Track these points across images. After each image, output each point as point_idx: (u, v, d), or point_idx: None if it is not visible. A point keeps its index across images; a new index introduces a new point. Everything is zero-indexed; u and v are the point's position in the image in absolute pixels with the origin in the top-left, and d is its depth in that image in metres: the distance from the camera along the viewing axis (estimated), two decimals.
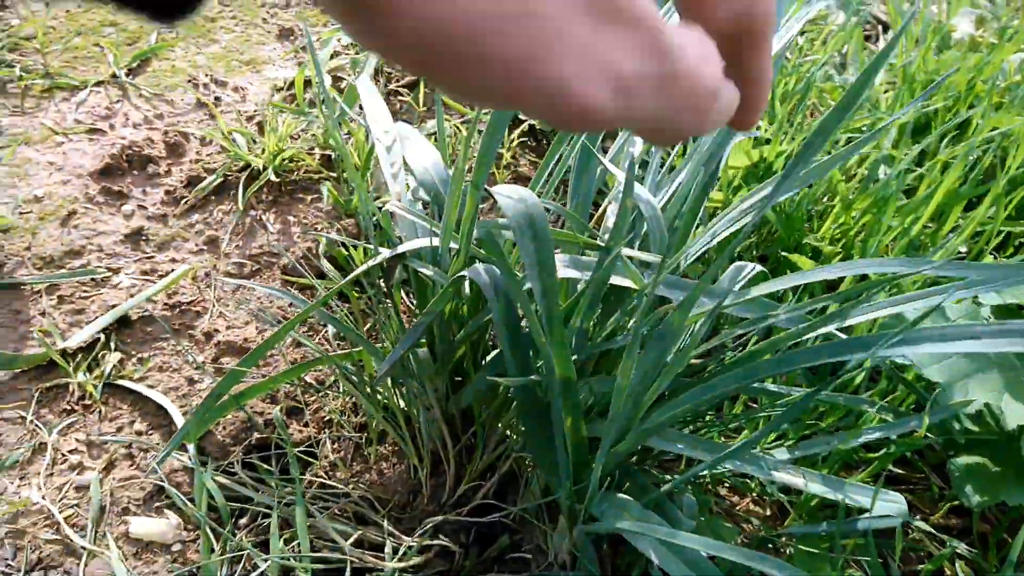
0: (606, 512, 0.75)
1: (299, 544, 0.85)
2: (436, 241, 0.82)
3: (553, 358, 0.68)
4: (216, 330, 1.10)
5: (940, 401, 0.80)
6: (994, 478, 0.86)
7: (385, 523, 0.90)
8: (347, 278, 0.85)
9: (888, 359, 0.84)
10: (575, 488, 0.77)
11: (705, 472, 0.91)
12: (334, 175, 1.33)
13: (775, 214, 1.05)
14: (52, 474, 0.93)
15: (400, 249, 0.83)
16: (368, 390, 0.97)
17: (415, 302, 1.01)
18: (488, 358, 0.91)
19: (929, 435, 0.86)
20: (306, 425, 1.00)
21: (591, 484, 0.75)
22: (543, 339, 0.67)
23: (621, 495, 0.77)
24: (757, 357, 0.64)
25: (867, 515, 0.75)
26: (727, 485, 1.00)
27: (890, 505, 0.72)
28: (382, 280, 0.93)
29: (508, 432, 0.95)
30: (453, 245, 0.80)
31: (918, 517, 0.98)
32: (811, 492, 0.73)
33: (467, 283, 0.84)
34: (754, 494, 0.99)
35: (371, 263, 0.85)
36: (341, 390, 1.03)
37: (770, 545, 0.89)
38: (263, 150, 1.31)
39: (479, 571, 0.91)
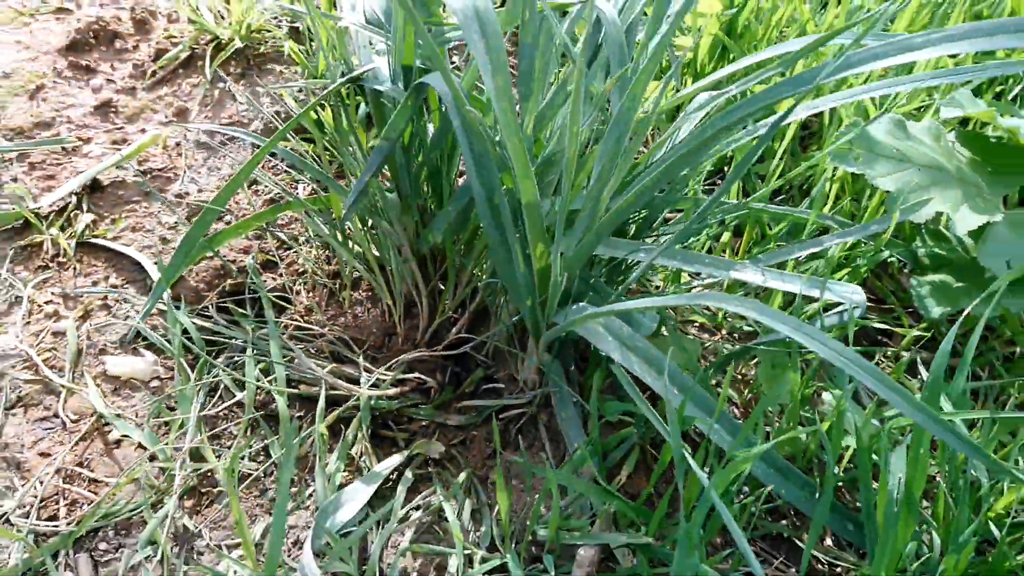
0: (568, 319, 0.76)
1: (275, 376, 0.87)
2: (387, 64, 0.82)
3: (513, 160, 0.68)
4: (187, 193, 1.10)
5: (889, 206, 0.80)
6: (955, 292, 0.88)
7: (361, 360, 0.92)
8: (307, 107, 0.85)
9: (839, 165, 0.84)
10: (540, 301, 0.78)
11: (664, 294, 0.92)
12: (302, 48, 1.31)
13: (730, 38, 1.04)
14: (29, 323, 0.94)
15: (357, 72, 0.83)
16: (339, 236, 0.97)
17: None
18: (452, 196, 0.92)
19: (890, 250, 0.87)
20: (280, 276, 1.01)
21: (550, 291, 0.75)
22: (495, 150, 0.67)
23: (583, 304, 0.78)
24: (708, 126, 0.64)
25: (829, 313, 0.76)
26: (697, 324, 1.01)
27: (848, 296, 0.73)
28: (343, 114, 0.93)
29: (476, 271, 0.96)
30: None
31: (888, 351, 1.00)
32: (769, 287, 0.74)
33: (425, 107, 0.84)
34: (724, 331, 1.01)
35: (328, 89, 0.84)
36: (313, 242, 1.04)
37: (740, 360, 0.91)
38: (230, 24, 1.29)
39: (456, 402, 0.92)
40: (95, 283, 0.99)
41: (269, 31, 1.31)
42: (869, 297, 1.07)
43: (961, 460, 0.71)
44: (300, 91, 1.23)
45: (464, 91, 0.76)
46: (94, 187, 1.09)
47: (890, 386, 0.53)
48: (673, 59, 0.96)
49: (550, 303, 0.76)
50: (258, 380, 0.86)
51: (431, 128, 0.90)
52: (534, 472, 0.80)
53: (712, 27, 1.18)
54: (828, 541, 0.81)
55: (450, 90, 0.69)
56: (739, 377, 0.96)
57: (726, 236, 0.97)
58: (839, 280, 0.94)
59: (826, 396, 0.82)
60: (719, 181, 1.17)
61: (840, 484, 0.82)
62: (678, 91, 1.04)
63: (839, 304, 0.77)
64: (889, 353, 1.00)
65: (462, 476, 0.83)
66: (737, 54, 1.05)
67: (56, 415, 0.86)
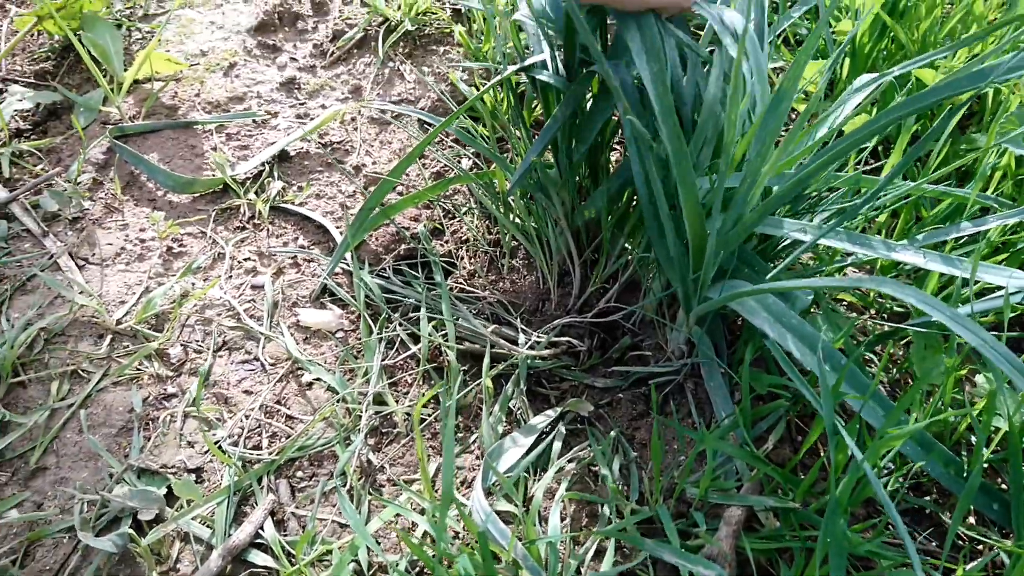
0: (722, 295, 0.81)
1: (446, 331, 0.96)
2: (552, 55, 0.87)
3: (667, 143, 0.73)
4: (363, 164, 1.21)
5: None
6: None
7: (518, 322, 1.00)
8: (481, 92, 0.92)
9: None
10: (694, 277, 0.83)
11: (824, 270, 0.95)
12: (464, 29, 1.39)
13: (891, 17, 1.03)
14: (231, 277, 1.07)
15: (527, 62, 0.89)
16: (501, 207, 1.05)
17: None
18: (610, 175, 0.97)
19: None
20: (446, 243, 1.10)
21: (704, 268, 0.80)
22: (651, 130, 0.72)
23: (737, 280, 0.82)
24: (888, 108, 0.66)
25: (988, 297, 0.77)
26: (846, 303, 1.03)
27: (1014, 281, 0.73)
28: (511, 100, 1.00)
29: (628, 245, 1.01)
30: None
31: None
32: (930, 269, 0.75)
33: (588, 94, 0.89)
34: (873, 311, 1.02)
35: (500, 76, 0.91)
36: (476, 213, 1.12)
37: (890, 340, 0.92)
38: (399, 6, 1.39)
39: (603, 366, 0.99)
40: (285, 243, 1.11)
41: (434, 13, 1.39)
42: None
43: None
44: (464, 71, 1.31)
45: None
46: (282, 157, 1.22)
47: None
48: (830, 43, 0.97)
49: (704, 279, 0.81)
50: (430, 335, 0.95)
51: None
52: (685, 434, 0.86)
53: (873, 7, 1.17)
54: (971, 519, 0.83)
55: (616, 81, 0.75)
56: (887, 356, 0.98)
57: (883, 216, 0.98)
58: (998, 263, 0.93)
59: (979, 378, 0.83)
60: (870, 159, 1.17)
61: (987, 464, 0.83)
62: (836, 72, 1.05)
63: (999, 288, 0.78)
64: None
65: (612, 434, 0.89)
66: (899, 34, 1.04)
67: (256, 358, 0.98)
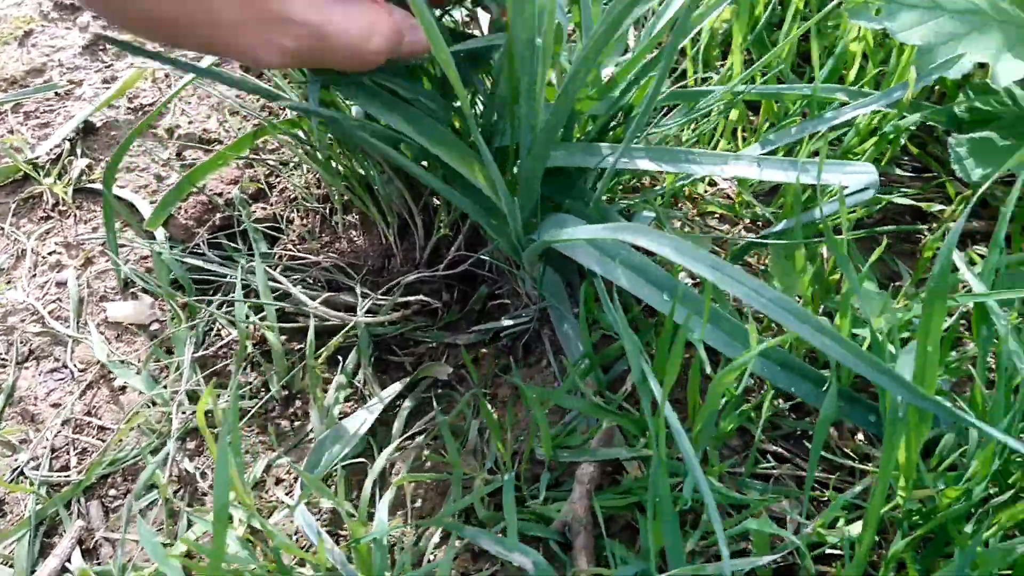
0: (546, 232, 0.70)
1: (266, 312, 0.85)
2: None
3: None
4: (178, 125, 1.07)
5: (921, 65, 0.70)
6: (1000, 151, 0.77)
7: (358, 287, 0.89)
8: None
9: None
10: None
11: (662, 191, 0.85)
12: None
13: None
14: (34, 275, 0.94)
15: None
16: (319, 156, 0.93)
17: None
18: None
19: (921, 113, 0.76)
20: (271, 205, 0.98)
21: (506, 210, 0.69)
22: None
23: (564, 215, 0.72)
24: None
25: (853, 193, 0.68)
26: (717, 215, 0.94)
27: (857, 176, 0.64)
28: None
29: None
30: None
31: (934, 226, 0.90)
32: (765, 179, 0.66)
33: None
34: (748, 219, 0.93)
35: None
36: (304, 168, 1.00)
37: (749, 257, 0.84)
38: None
39: (463, 321, 0.89)
40: (95, 229, 0.98)
41: None
42: (913, 167, 0.96)
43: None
44: None
45: None
46: (88, 130, 1.08)
47: (820, 329, 0.47)
48: None
49: (512, 222, 0.70)
50: (248, 318, 0.84)
51: None
52: (525, 391, 0.76)
53: None
54: (860, 436, 0.75)
55: None
56: (762, 270, 0.89)
57: (734, 114, 0.88)
58: (864, 152, 0.84)
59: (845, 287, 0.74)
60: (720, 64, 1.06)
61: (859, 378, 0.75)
62: None
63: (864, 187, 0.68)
64: (935, 227, 0.90)
65: (464, 397, 0.80)
66: None
67: (65, 365, 0.87)
